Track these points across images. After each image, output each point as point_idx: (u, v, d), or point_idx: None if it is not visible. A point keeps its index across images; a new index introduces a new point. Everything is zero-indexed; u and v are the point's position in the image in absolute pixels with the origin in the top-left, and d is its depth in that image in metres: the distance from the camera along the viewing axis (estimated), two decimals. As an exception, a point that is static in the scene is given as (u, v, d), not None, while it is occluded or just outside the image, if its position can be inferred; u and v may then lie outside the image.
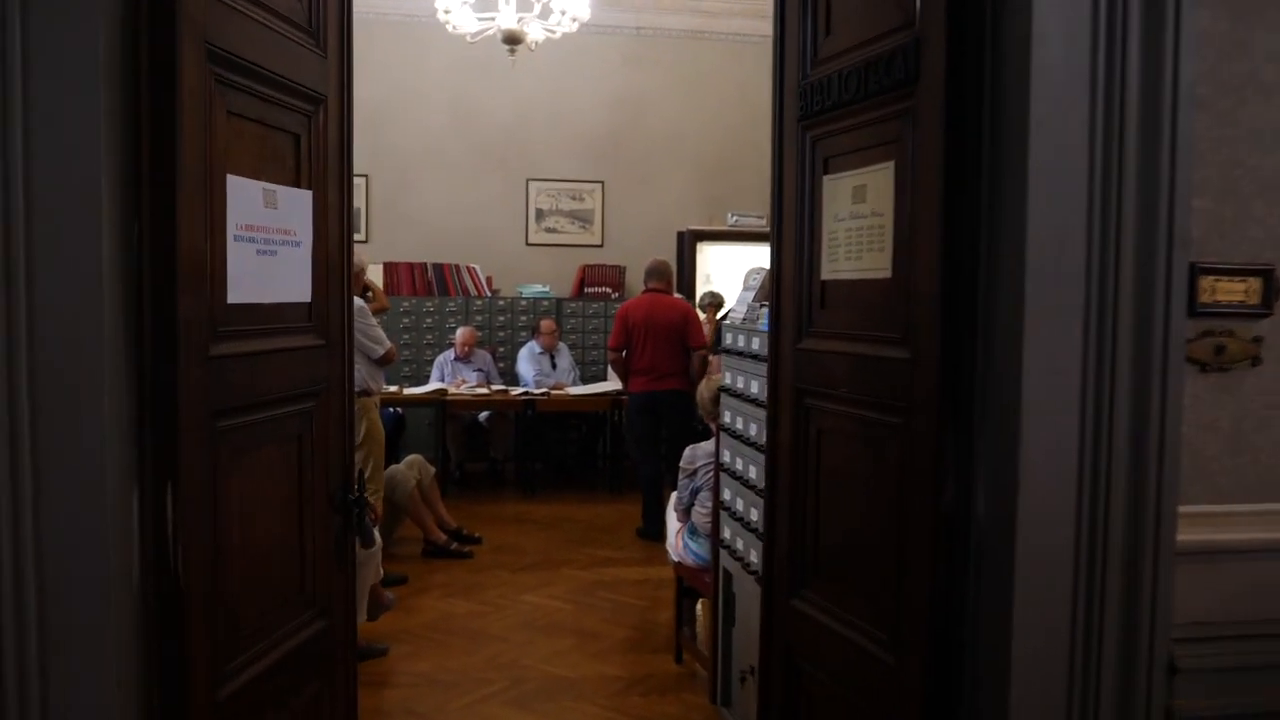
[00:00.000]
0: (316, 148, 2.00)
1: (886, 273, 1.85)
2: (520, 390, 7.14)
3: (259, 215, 1.80)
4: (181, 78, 1.53)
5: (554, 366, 7.64)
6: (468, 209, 8.67)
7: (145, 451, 1.55)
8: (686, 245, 8.87)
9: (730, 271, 11.64)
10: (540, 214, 8.80)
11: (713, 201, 9.01)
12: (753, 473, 3.00)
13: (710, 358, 5.65)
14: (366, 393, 4.64)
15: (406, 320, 8.11)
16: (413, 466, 5.41)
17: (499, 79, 8.65)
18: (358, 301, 4.60)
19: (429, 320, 8.16)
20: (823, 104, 2.01)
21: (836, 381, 2.00)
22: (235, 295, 1.72)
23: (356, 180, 9.23)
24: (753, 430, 3.01)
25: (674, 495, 3.97)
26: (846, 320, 1.99)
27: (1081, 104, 1.57)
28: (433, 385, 7.14)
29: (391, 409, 7.05)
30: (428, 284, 8.24)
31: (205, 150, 1.61)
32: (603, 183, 8.87)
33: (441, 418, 6.78)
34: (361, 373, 4.57)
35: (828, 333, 2.06)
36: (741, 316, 3.18)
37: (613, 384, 7.19)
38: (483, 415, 7.41)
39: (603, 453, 7.86)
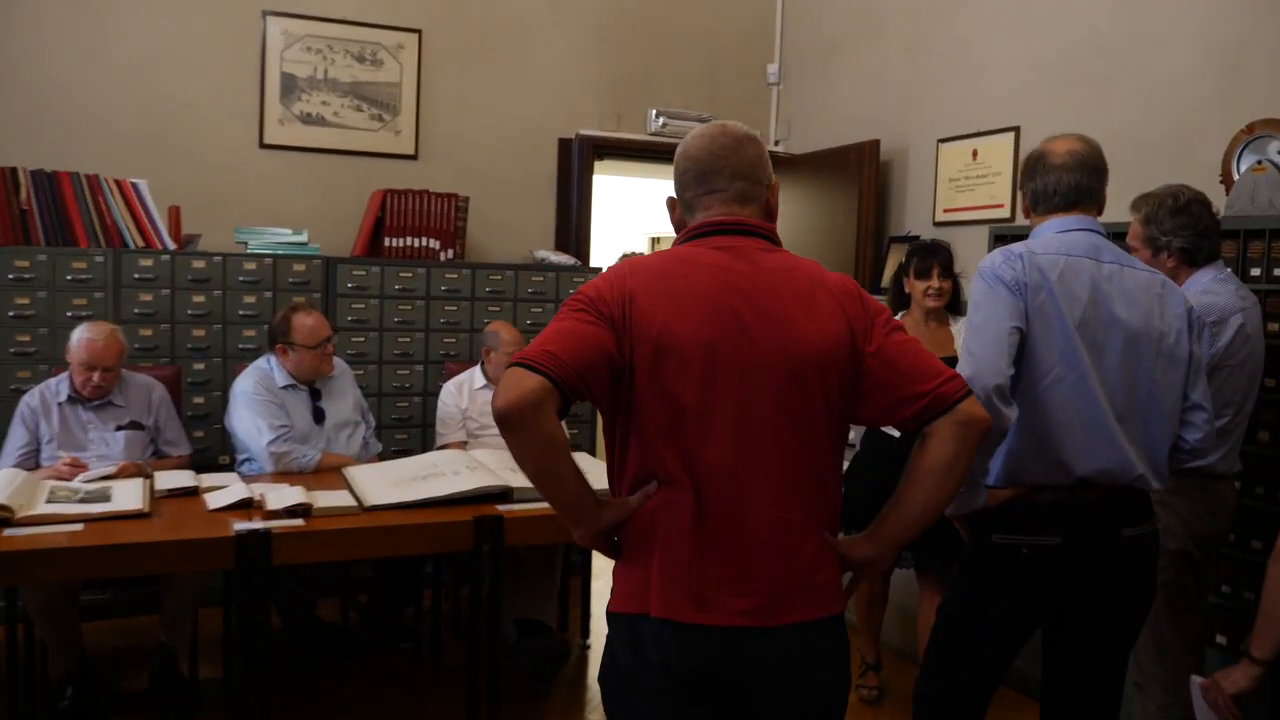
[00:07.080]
0: None
1: None
2: (230, 488, 2.84)
3: None
4: None
5: (319, 418, 3.39)
6: (131, 68, 4.17)
7: None
8: (576, 163, 4.82)
9: (649, 213, 6.59)
10: (293, 86, 4.42)
11: (622, 89, 4.99)
12: None
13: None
14: None
15: (-31, 302, 3.57)
16: None
17: None
18: None
19: (29, 307, 3.65)
20: None
21: None
22: None
23: None
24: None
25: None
26: None
27: None
28: (-7, 476, 2.71)
29: None
30: (17, 221, 3.70)
31: None
32: (420, 33, 4.61)
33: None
34: None
35: None
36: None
37: (474, 472, 3.03)
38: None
39: (452, 612, 3.66)
